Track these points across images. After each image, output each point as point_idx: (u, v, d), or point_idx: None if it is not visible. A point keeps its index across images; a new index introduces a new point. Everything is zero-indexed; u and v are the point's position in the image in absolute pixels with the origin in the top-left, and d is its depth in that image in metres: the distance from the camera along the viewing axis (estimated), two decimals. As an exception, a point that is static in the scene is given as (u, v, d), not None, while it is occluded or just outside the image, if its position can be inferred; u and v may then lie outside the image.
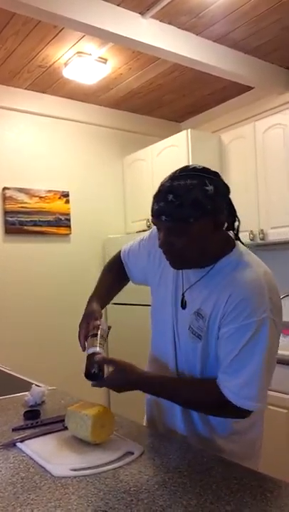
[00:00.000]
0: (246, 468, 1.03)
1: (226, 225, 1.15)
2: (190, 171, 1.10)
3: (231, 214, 1.17)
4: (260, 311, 1.05)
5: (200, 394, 1.14)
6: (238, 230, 1.20)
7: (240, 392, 1.05)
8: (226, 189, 1.13)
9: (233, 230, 1.19)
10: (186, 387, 1.18)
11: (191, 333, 1.18)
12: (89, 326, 1.26)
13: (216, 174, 1.12)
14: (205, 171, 1.11)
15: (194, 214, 1.06)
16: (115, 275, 1.51)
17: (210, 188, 1.07)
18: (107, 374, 1.17)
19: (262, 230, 3.03)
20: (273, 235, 2.99)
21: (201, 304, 1.16)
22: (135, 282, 1.50)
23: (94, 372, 1.14)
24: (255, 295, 1.07)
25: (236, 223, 1.19)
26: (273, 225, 2.99)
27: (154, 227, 1.29)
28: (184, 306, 1.22)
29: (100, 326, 1.26)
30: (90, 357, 1.17)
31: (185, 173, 1.09)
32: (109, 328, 1.33)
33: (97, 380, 1.15)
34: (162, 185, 1.11)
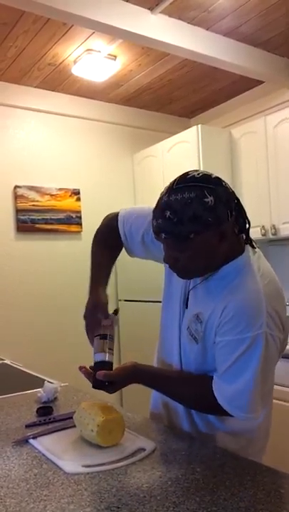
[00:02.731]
0: (260, 464, 1.02)
1: (236, 230, 1.10)
2: (187, 181, 1.03)
3: (241, 217, 1.11)
4: (256, 327, 1.02)
5: (196, 390, 1.14)
6: (248, 233, 1.14)
7: (232, 401, 1.05)
8: (230, 195, 1.06)
9: (244, 232, 1.13)
10: (182, 381, 1.19)
11: (188, 334, 1.17)
12: (97, 320, 1.24)
13: (216, 182, 1.05)
14: (204, 179, 1.04)
15: (195, 229, 1.00)
16: (113, 251, 1.43)
17: (210, 199, 1.01)
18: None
19: (273, 225, 3.00)
20: (285, 230, 2.96)
21: (202, 308, 1.14)
22: (134, 256, 1.44)
23: (104, 384, 1.14)
24: (252, 309, 1.04)
25: (247, 225, 1.13)
26: (285, 220, 2.97)
27: None
28: (186, 305, 1.21)
29: (110, 325, 1.23)
30: (99, 367, 1.15)
31: (182, 185, 1.03)
32: (116, 311, 1.29)
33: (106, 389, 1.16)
34: (160, 199, 1.06)
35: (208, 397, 1.08)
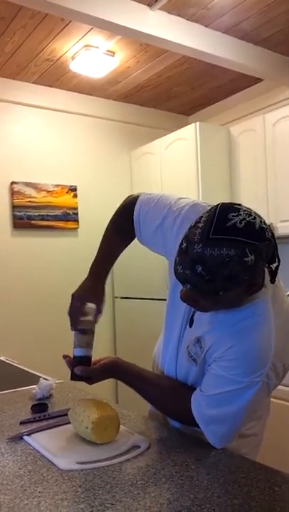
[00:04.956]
0: (253, 462, 1.02)
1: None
2: (228, 232, 0.87)
3: (271, 252, 0.96)
4: (255, 375, 0.98)
5: (172, 402, 1.14)
6: (276, 272, 1.01)
7: (209, 424, 1.04)
8: (270, 247, 0.93)
9: (271, 263, 1.00)
10: (160, 390, 1.18)
11: (187, 354, 1.14)
12: (80, 309, 1.23)
13: (260, 235, 0.89)
14: (248, 233, 0.88)
15: (226, 287, 0.90)
16: (125, 238, 1.36)
17: (250, 258, 0.87)
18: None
19: (271, 224, 3.00)
20: (283, 229, 2.97)
21: (204, 334, 1.09)
22: (143, 244, 1.34)
23: (81, 377, 1.17)
24: (257, 359, 0.99)
25: (277, 263, 1.00)
26: (283, 218, 2.97)
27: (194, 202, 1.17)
28: (191, 324, 1.15)
29: (91, 320, 1.24)
30: (79, 361, 1.18)
31: (221, 237, 0.87)
32: (100, 311, 1.29)
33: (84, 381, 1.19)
34: (190, 243, 0.90)
35: (184, 411, 1.08)
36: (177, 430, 1.21)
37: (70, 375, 1.19)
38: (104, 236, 1.39)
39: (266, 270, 1.02)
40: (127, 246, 1.39)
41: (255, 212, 0.94)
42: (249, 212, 0.92)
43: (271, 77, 3.20)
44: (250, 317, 1.01)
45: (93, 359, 1.21)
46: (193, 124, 3.33)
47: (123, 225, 1.34)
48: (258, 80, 3.45)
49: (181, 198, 1.23)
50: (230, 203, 0.95)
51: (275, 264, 1.00)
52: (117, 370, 1.20)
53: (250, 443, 1.18)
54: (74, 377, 1.18)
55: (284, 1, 2.48)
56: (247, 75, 3.18)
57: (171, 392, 1.17)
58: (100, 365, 1.19)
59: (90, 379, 1.18)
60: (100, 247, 1.38)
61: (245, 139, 3.28)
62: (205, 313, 1.08)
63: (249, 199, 3.19)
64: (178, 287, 1.09)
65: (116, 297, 3.75)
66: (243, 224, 0.89)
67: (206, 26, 2.73)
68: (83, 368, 1.16)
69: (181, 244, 0.94)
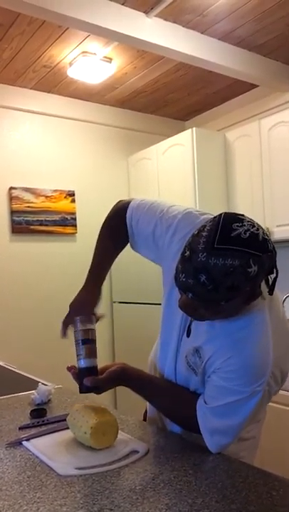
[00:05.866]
0: (252, 466, 1.03)
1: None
2: (233, 243, 0.88)
3: (270, 264, 0.96)
4: (256, 385, 0.99)
5: (181, 410, 1.14)
6: (273, 283, 1.02)
7: (213, 434, 1.05)
8: (272, 259, 0.93)
9: (269, 274, 1.00)
10: (170, 397, 1.17)
11: (186, 363, 1.14)
12: (80, 321, 1.21)
13: (263, 246, 0.90)
14: (252, 243, 0.89)
15: (228, 297, 0.90)
16: (119, 242, 1.34)
17: (253, 269, 0.88)
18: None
19: (267, 229, 3.02)
20: (279, 233, 2.98)
21: (203, 343, 1.09)
22: (135, 250, 1.34)
23: (91, 388, 1.15)
24: (257, 368, 0.99)
25: (275, 275, 1.00)
26: (278, 223, 2.99)
27: (188, 211, 1.18)
28: (188, 333, 1.14)
29: (93, 328, 1.22)
30: (86, 372, 1.15)
31: (225, 247, 0.88)
32: (98, 319, 1.26)
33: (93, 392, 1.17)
34: (194, 251, 0.90)
35: (192, 420, 1.08)
36: (175, 435, 1.21)
37: (78, 389, 1.16)
38: (98, 243, 1.37)
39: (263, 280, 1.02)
40: (121, 250, 1.38)
41: (257, 224, 0.94)
42: (252, 223, 0.93)
43: (266, 83, 3.22)
44: (248, 327, 1.02)
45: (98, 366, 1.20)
46: (189, 130, 3.35)
47: (116, 231, 1.33)
48: (253, 86, 3.48)
49: (173, 206, 1.23)
50: (234, 213, 0.95)
51: (273, 276, 1.00)
52: (125, 377, 1.18)
53: (249, 446, 1.19)
54: (83, 389, 1.15)
55: (279, 8, 2.51)
56: (242, 81, 3.21)
57: (180, 400, 1.15)
58: (109, 374, 1.16)
59: (99, 389, 1.15)
60: (94, 254, 1.35)
61: (241, 144, 3.30)
62: (202, 322, 1.08)
63: (245, 203, 3.21)
64: (173, 295, 1.10)
65: (114, 302, 3.76)
66: (247, 235, 0.89)
67: (202, 33, 2.76)
68: (92, 379, 1.14)
69: (184, 252, 0.93)
